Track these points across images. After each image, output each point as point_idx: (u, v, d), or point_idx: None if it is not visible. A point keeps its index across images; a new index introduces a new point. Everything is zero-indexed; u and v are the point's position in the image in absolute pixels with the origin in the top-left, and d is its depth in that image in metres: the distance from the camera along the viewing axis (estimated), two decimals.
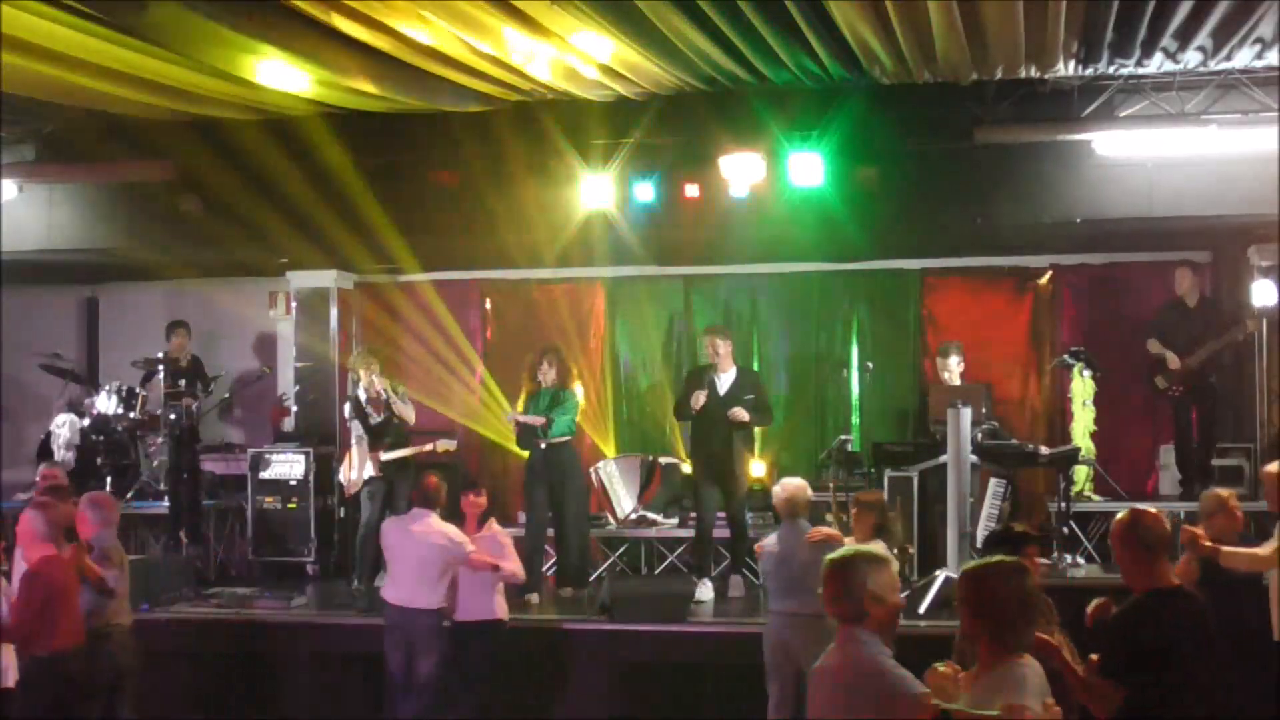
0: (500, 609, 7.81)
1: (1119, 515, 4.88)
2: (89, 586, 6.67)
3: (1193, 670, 4.51)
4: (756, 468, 10.65)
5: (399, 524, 7.88)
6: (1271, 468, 6.78)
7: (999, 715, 3.89)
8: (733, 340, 10.11)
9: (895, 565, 4.28)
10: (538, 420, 9.80)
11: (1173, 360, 10.12)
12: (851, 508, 7.42)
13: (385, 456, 9.91)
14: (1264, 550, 6.36)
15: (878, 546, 5.83)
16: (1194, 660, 4.53)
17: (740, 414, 9.46)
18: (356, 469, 10.04)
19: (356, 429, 10.10)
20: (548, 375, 9.96)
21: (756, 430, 10.34)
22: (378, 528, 9.87)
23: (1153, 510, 4.91)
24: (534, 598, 9.45)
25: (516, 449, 10.62)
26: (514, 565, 7.80)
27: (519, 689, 8.49)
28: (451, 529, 7.62)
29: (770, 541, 7.38)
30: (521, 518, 10.92)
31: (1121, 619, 4.65)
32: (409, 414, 10.11)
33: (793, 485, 7.39)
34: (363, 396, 10.07)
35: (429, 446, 9.98)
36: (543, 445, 9.82)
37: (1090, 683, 4.55)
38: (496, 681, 7.73)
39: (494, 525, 8.03)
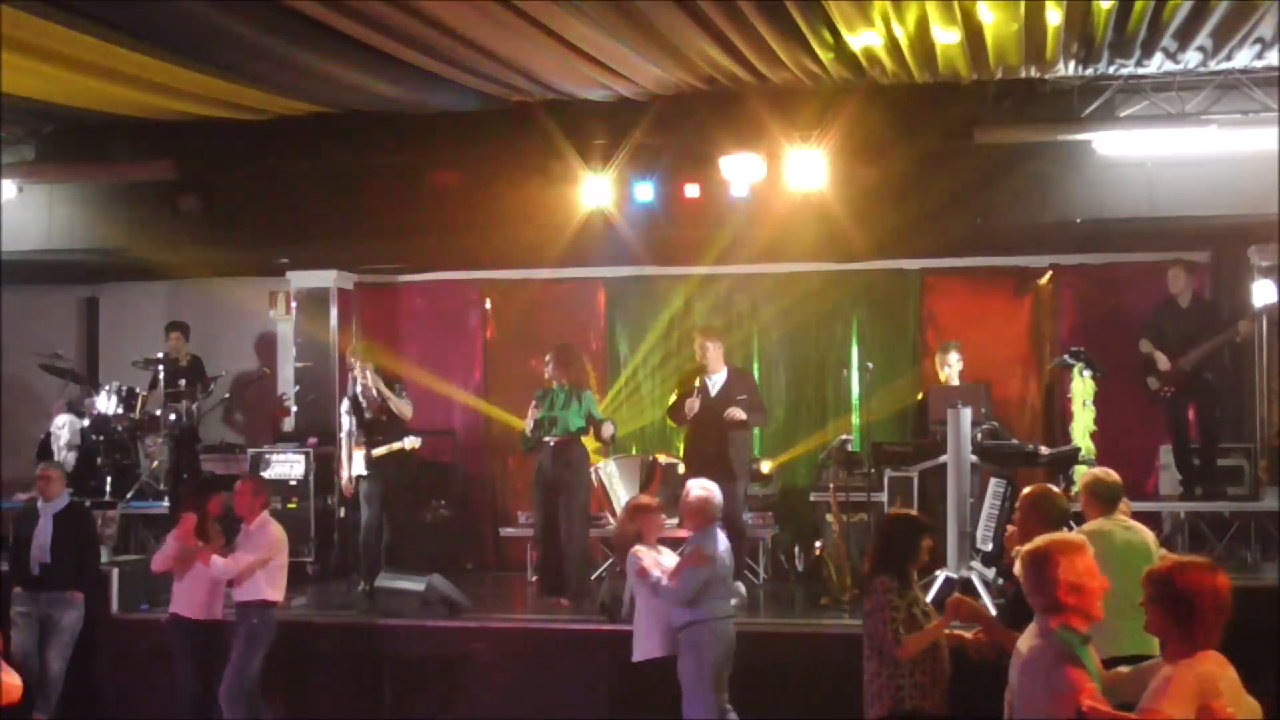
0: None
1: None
2: None
3: None
4: (763, 467, 10.66)
5: None
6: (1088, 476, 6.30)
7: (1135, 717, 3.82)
8: (725, 341, 10.09)
9: (1091, 549, 4.13)
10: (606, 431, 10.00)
11: (1162, 361, 10.06)
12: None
13: (376, 453, 9.90)
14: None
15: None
16: None
17: (736, 413, 9.49)
18: (347, 466, 10.00)
19: (349, 424, 10.02)
20: (557, 374, 9.93)
21: (756, 430, 10.34)
22: (378, 528, 9.91)
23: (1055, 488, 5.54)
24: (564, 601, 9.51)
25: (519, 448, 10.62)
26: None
27: (519, 689, 8.51)
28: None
29: (718, 548, 7.15)
30: (521, 518, 10.93)
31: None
32: (406, 410, 10.03)
33: (716, 488, 7.26)
34: (359, 389, 10.04)
35: (398, 445, 9.87)
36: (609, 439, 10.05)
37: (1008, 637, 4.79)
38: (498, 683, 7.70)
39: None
